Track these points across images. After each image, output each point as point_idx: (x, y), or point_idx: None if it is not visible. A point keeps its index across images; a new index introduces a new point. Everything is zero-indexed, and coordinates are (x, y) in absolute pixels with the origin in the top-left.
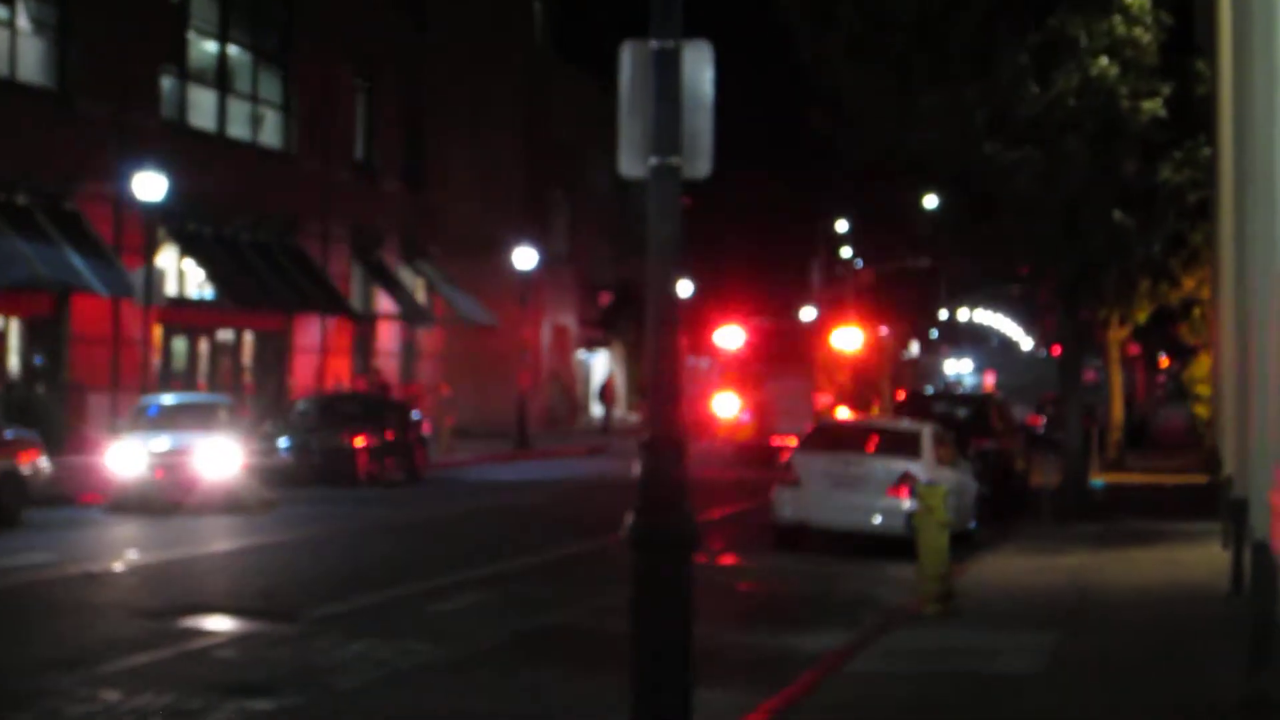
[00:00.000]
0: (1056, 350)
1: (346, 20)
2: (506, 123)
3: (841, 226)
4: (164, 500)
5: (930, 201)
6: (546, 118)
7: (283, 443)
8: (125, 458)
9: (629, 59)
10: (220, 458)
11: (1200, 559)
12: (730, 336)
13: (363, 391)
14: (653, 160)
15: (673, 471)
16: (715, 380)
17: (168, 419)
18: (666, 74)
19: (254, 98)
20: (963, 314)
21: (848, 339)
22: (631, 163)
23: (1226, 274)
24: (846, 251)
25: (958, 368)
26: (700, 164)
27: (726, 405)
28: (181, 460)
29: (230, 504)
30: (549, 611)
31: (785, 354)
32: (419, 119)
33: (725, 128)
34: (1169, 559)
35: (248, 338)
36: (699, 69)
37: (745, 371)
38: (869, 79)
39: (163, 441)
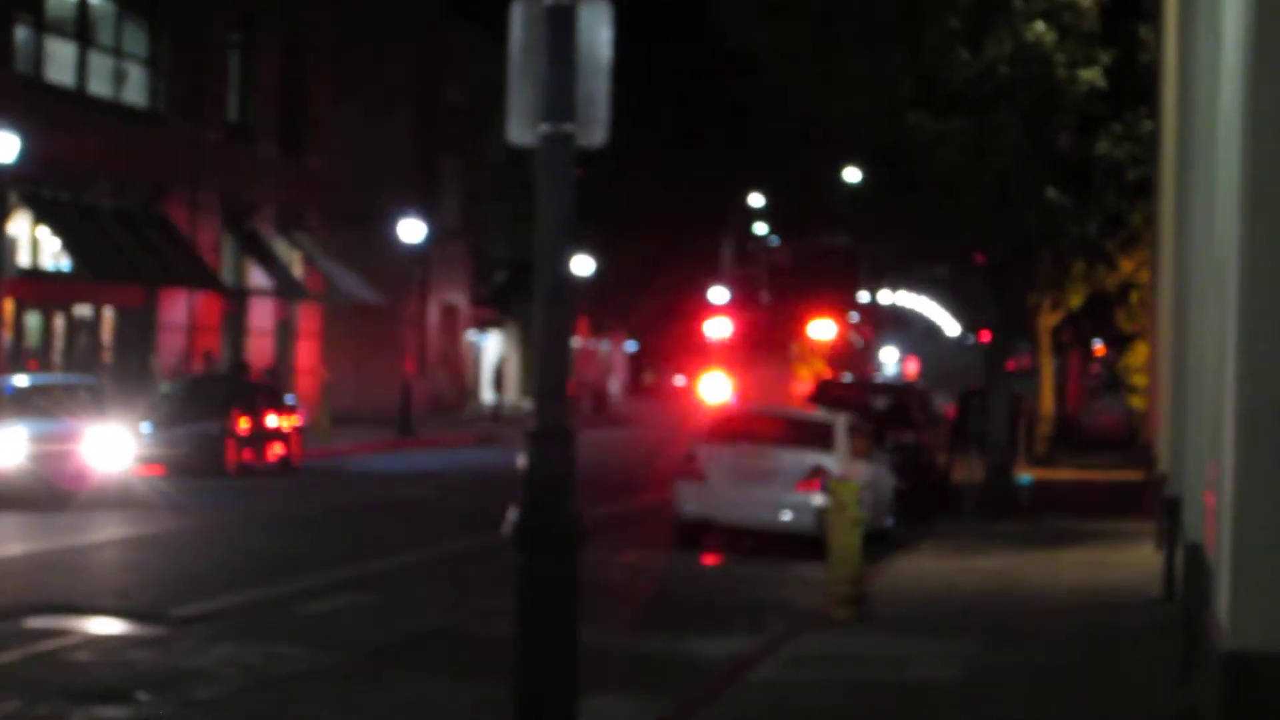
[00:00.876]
0: (985, 337)
1: None
2: (395, 84)
3: (757, 201)
4: (49, 492)
5: (852, 175)
6: (439, 80)
7: (145, 428)
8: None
9: (520, 17)
10: (111, 446)
11: (1131, 561)
12: (718, 326)
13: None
14: (544, 127)
15: (559, 464)
16: (701, 365)
17: (27, 402)
18: (560, 34)
19: (118, 52)
20: (885, 296)
21: (822, 329)
22: (521, 129)
23: (1166, 258)
24: (761, 228)
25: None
26: (595, 131)
27: (716, 387)
28: (66, 449)
29: (123, 498)
30: (432, 613)
31: (767, 341)
32: (299, 78)
33: (629, 93)
34: (1098, 561)
35: (108, 314)
36: (596, 29)
37: (730, 358)
38: (788, 42)
39: (39, 427)
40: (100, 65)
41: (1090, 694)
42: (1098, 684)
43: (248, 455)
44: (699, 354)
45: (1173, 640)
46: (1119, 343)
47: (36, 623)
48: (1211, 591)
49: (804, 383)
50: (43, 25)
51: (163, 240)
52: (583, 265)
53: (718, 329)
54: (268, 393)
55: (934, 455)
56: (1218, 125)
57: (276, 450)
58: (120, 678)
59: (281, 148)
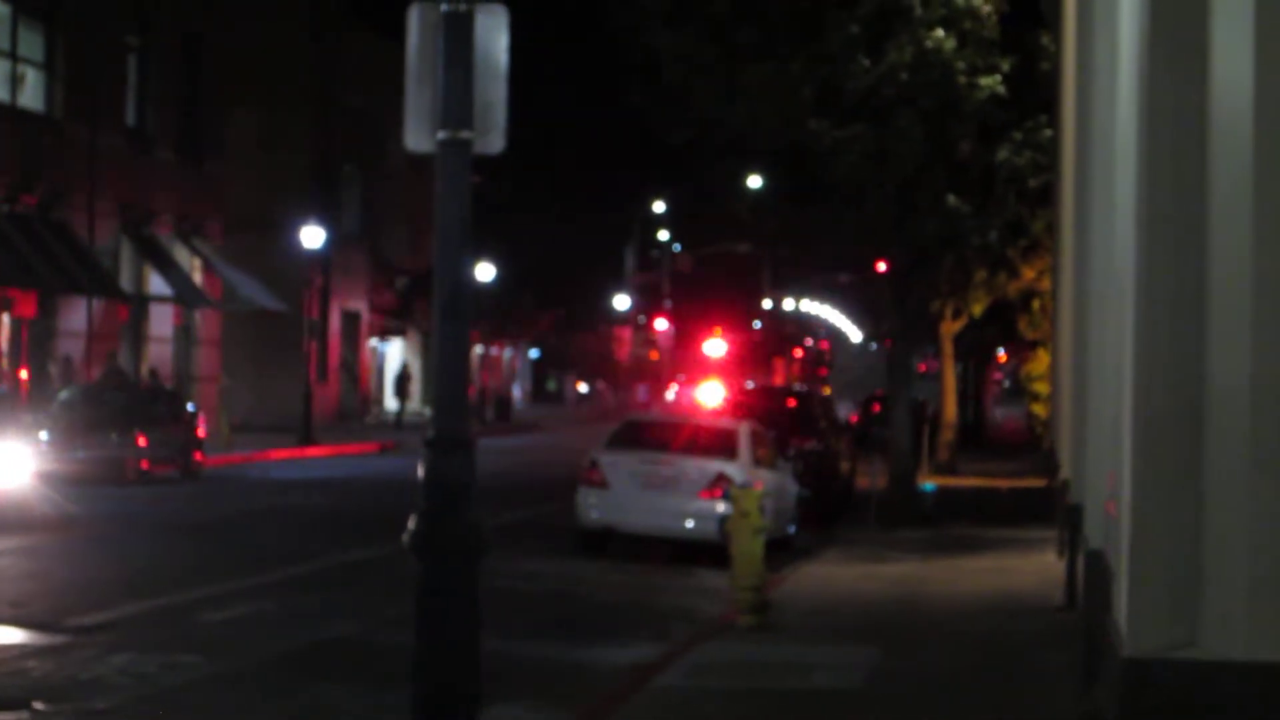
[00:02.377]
0: (888, 344)
1: None
2: (294, 90)
3: (659, 208)
4: None
5: (755, 182)
6: (339, 85)
7: (44, 437)
8: None
9: (417, 22)
10: (8, 456)
11: (1033, 568)
12: (715, 346)
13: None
14: (441, 134)
15: (459, 472)
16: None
17: None
18: (457, 39)
19: (13, 55)
20: (789, 304)
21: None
22: (418, 136)
23: (1066, 265)
24: (664, 235)
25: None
26: (493, 139)
27: (712, 394)
28: None
29: (21, 507)
30: (334, 622)
31: (752, 358)
32: (197, 84)
33: (530, 100)
34: (1000, 568)
35: (4, 321)
36: (493, 34)
37: (724, 372)
38: (688, 48)
39: None
40: None
41: (992, 701)
42: (1000, 691)
43: (147, 464)
44: (698, 366)
45: (1075, 647)
46: (1021, 350)
47: None
48: (1111, 598)
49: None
50: None
51: (61, 247)
52: (484, 272)
53: (715, 348)
54: (169, 400)
55: (838, 462)
56: (1115, 133)
57: (177, 458)
58: (16, 687)
59: (180, 153)
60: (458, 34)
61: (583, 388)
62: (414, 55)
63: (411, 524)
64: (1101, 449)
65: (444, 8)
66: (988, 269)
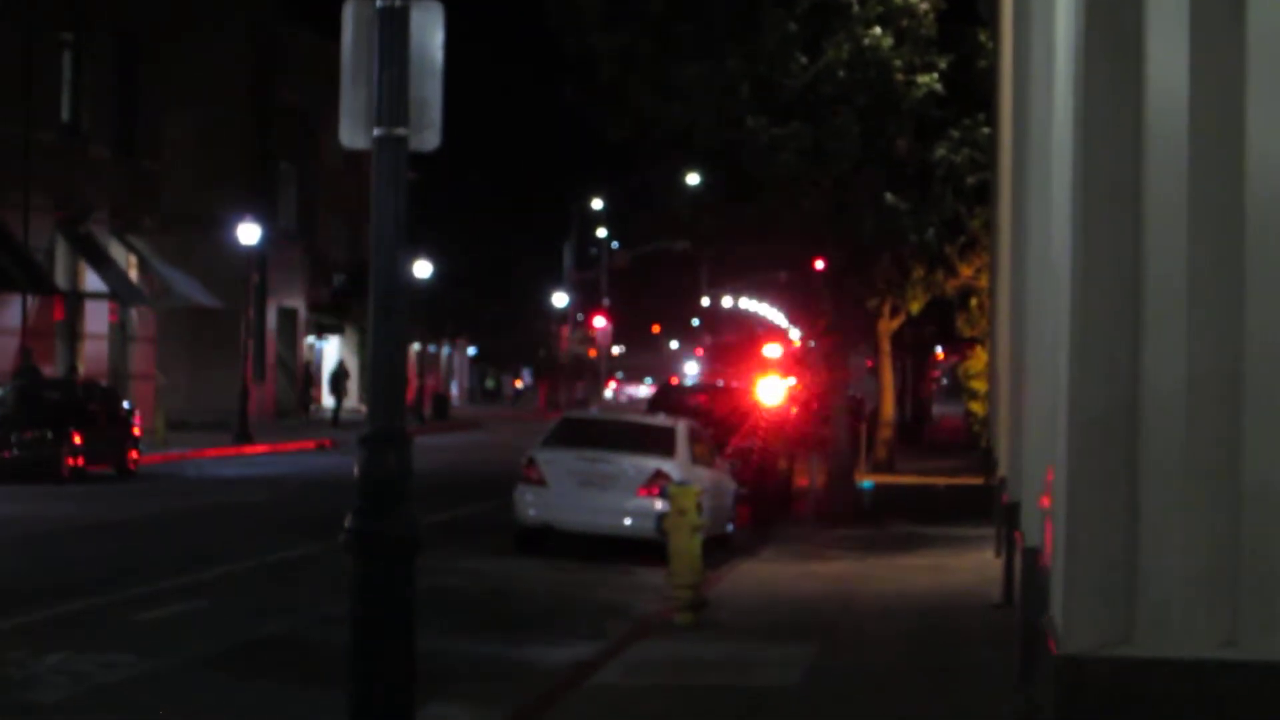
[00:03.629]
0: (824, 341)
1: None
2: (230, 86)
3: (597, 205)
4: None
5: (692, 180)
6: (275, 81)
7: None
8: None
9: (352, 18)
10: None
11: (971, 566)
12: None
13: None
14: (377, 131)
15: (394, 469)
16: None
17: None
18: (392, 35)
19: None
20: (726, 301)
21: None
22: (353, 133)
23: (1004, 263)
24: (602, 232)
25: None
26: (429, 136)
27: (773, 389)
28: None
29: None
30: (270, 620)
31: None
32: (132, 80)
33: (465, 96)
34: (938, 566)
35: None
36: (428, 31)
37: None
38: (624, 46)
39: None
40: None
41: (930, 698)
42: (937, 688)
43: (82, 461)
44: (758, 364)
45: (1011, 644)
46: (959, 347)
47: None
48: (1047, 596)
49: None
50: None
51: None
52: (421, 269)
53: (773, 350)
54: (104, 397)
55: (776, 460)
56: (1051, 132)
57: (112, 456)
58: None
59: (115, 149)
60: (393, 30)
61: (520, 385)
62: (349, 51)
63: (347, 522)
64: (1039, 447)
65: (379, 4)
66: (925, 267)
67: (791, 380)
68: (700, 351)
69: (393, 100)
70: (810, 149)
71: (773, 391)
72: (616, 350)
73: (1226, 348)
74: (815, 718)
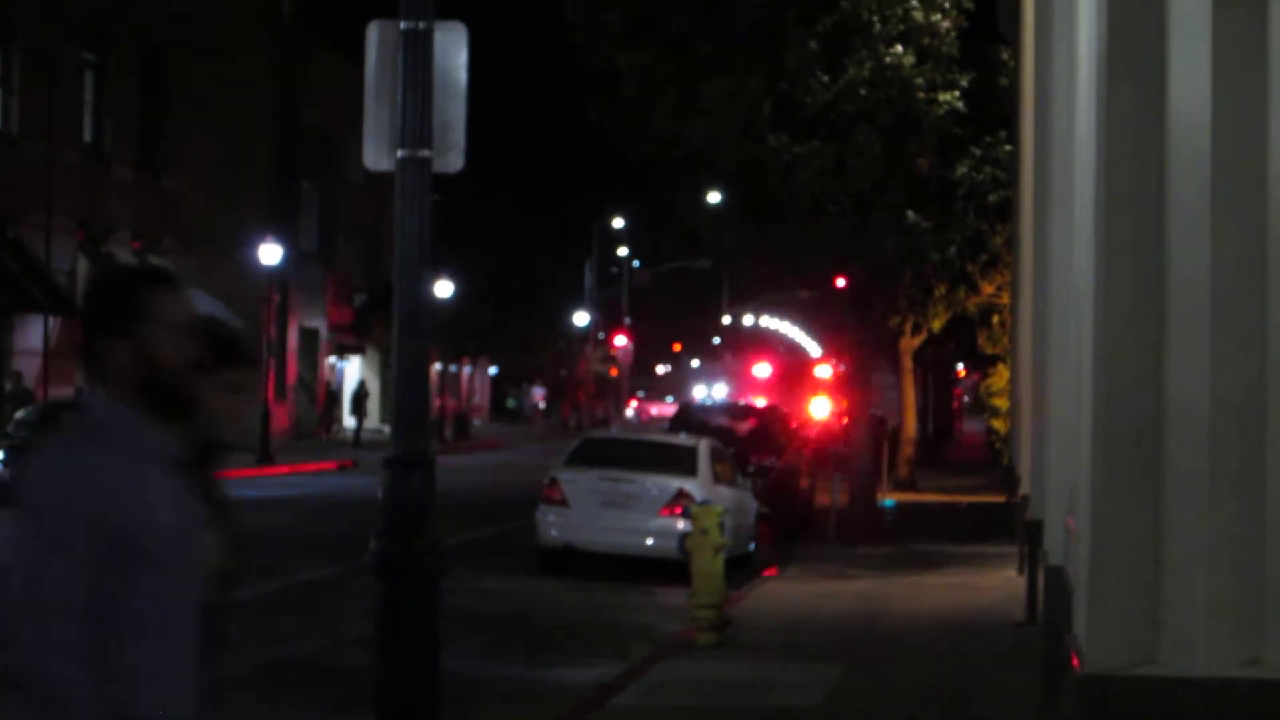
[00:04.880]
0: (847, 360)
1: None
2: (252, 106)
3: (618, 224)
4: None
5: (713, 198)
6: (297, 102)
7: (1, 455)
8: None
9: (375, 40)
10: None
11: (993, 584)
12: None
13: None
14: (400, 153)
15: (418, 491)
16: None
17: None
18: (416, 58)
19: None
20: (748, 320)
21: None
22: (377, 155)
23: (1026, 281)
24: (623, 251)
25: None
26: (452, 157)
27: (821, 407)
28: None
29: None
30: (292, 643)
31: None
32: (154, 100)
33: (489, 116)
34: (961, 584)
35: None
36: (452, 53)
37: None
38: (647, 64)
39: None
40: None
41: (954, 715)
42: (960, 707)
43: None
44: (809, 386)
45: (1035, 663)
46: (981, 365)
47: None
48: (1072, 614)
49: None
50: None
51: (17, 264)
52: (443, 289)
53: (824, 370)
54: None
55: (798, 478)
56: (1074, 149)
57: None
58: None
59: (137, 170)
60: (417, 53)
61: (541, 404)
62: (373, 74)
63: (372, 543)
64: (1062, 464)
65: (403, 26)
66: (947, 284)
67: (825, 399)
68: (732, 366)
69: (416, 122)
70: (832, 167)
71: (822, 410)
72: (662, 369)
73: (1251, 363)
74: None
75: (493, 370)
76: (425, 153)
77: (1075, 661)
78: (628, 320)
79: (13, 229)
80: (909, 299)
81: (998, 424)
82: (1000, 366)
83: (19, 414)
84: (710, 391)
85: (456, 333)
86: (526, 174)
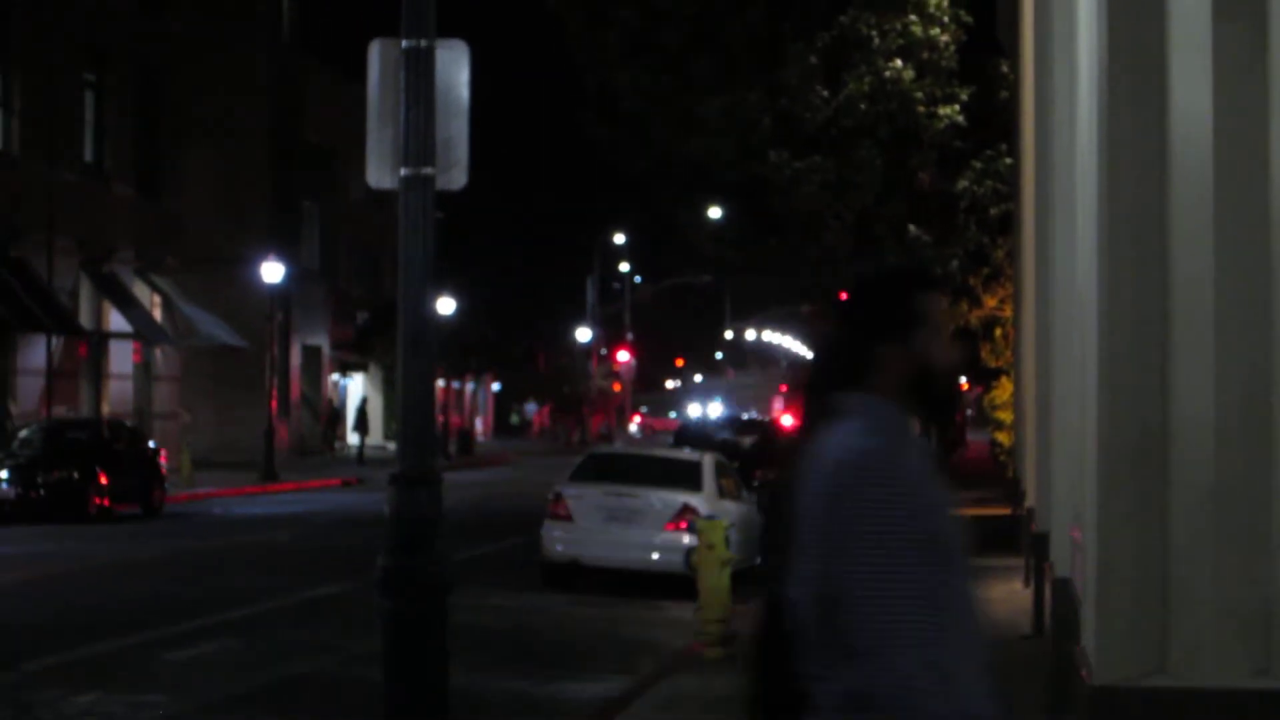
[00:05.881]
0: None
1: (73, 9)
2: (253, 125)
3: (619, 239)
4: None
5: (714, 213)
6: (297, 120)
7: (3, 475)
8: None
9: (377, 59)
10: None
11: (998, 597)
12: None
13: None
14: (403, 171)
15: (425, 508)
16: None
17: None
18: (418, 76)
19: None
20: (750, 334)
21: None
22: (380, 173)
23: (1028, 293)
24: (625, 266)
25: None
26: (455, 175)
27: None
28: None
29: None
30: (299, 659)
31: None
32: (155, 119)
33: (490, 133)
34: None
35: None
36: (454, 71)
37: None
38: (646, 81)
39: None
40: None
41: None
42: None
43: (108, 501)
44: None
45: (1042, 676)
46: (984, 378)
47: None
48: (1079, 626)
49: None
50: None
51: (18, 284)
52: (446, 306)
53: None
54: (130, 437)
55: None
56: (1075, 162)
57: (138, 496)
58: None
59: (139, 189)
60: (419, 71)
61: (544, 419)
62: (375, 92)
63: (379, 560)
64: (1066, 477)
65: (405, 44)
66: (949, 298)
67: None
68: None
69: (419, 140)
70: (833, 182)
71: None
72: (671, 384)
73: (1256, 374)
74: None
75: (496, 387)
76: (428, 170)
77: (1084, 674)
78: (630, 336)
79: (14, 249)
80: None
81: (1002, 437)
82: (1004, 379)
83: (21, 432)
84: (705, 410)
85: (460, 349)
86: (527, 190)
